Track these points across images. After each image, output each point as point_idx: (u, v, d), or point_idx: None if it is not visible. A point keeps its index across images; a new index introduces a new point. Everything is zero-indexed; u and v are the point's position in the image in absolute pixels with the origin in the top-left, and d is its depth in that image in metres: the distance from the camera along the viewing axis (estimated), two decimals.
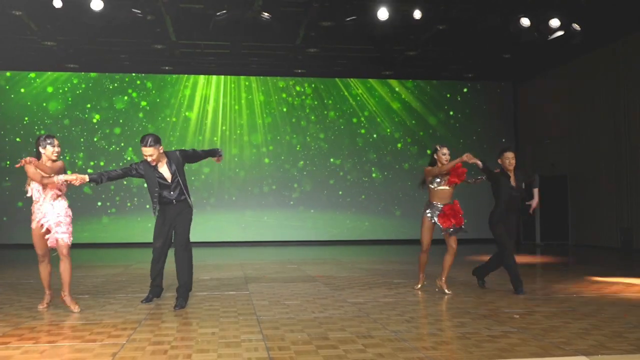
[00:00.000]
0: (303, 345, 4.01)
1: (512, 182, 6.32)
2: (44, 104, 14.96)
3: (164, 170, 5.64)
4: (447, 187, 6.39)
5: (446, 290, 6.36)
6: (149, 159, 5.50)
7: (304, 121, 15.97)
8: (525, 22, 9.89)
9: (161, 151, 5.58)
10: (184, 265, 5.64)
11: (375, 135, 16.20)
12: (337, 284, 7.35)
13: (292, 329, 4.52)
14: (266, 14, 9.81)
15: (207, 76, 15.58)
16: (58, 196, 5.40)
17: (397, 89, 16.32)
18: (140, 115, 15.36)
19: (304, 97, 16.03)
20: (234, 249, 13.91)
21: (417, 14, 10.01)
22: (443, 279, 6.43)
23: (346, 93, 16.16)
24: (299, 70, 15.25)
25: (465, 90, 16.61)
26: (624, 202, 12.63)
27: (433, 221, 6.36)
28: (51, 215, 5.32)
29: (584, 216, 13.99)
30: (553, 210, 14.38)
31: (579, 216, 14.21)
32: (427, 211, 6.42)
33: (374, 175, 16.11)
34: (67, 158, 14.58)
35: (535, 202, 6.46)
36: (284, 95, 15.95)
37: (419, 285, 6.73)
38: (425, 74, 15.86)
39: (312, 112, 16.05)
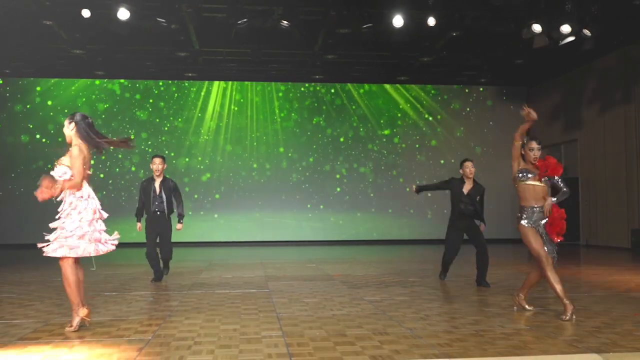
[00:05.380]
0: (321, 342, 4.07)
1: (465, 189, 6.91)
2: (74, 109, 15.35)
3: (157, 184, 7.43)
4: (537, 183, 5.09)
5: (526, 306, 5.32)
6: (154, 166, 7.41)
7: (322, 122, 16.15)
8: (536, 28, 9.94)
9: (165, 167, 7.48)
10: None
11: (391, 138, 16.31)
12: (355, 282, 7.43)
13: (310, 326, 4.60)
14: (285, 22, 10.00)
15: (228, 82, 15.86)
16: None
17: (411, 94, 16.42)
18: (161, 119, 15.69)
19: (321, 101, 16.22)
20: (255, 249, 14.09)
21: (432, 21, 10.12)
22: (521, 295, 5.36)
23: (360, 97, 16.31)
24: (317, 76, 15.44)
25: (478, 95, 16.66)
26: (634, 203, 12.67)
27: (535, 228, 5.05)
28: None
29: (595, 217, 14.04)
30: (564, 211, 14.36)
31: (590, 217, 14.25)
32: (523, 220, 5.08)
33: (389, 175, 16.22)
34: (92, 162, 14.94)
35: (482, 226, 7.02)
36: (302, 100, 16.16)
37: (529, 307, 5.33)
38: (440, 79, 15.94)
39: (329, 117, 16.21)
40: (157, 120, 15.67)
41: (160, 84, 15.73)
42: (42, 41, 11.98)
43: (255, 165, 15.86)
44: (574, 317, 4.84)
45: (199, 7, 10.25)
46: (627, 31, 11.67)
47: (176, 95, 15.78)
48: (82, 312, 4.51)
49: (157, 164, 7.43)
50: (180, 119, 15.70)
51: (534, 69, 14.82)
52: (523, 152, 5.15)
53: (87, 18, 9.51)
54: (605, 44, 12.15)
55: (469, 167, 6.94)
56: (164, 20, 9.88)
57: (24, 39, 11.74)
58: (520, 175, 5.08)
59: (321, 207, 15.92)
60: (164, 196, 7.39)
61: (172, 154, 15.40)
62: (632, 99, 12.81)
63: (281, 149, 15.97)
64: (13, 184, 14.99)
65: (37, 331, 4.51)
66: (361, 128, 16.25)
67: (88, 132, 4.58)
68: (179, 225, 7.55)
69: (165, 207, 7.40)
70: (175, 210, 7.57)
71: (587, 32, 10.01)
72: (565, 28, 9.90)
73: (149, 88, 15.69)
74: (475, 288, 6.81)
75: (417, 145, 16.35)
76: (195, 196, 15.38)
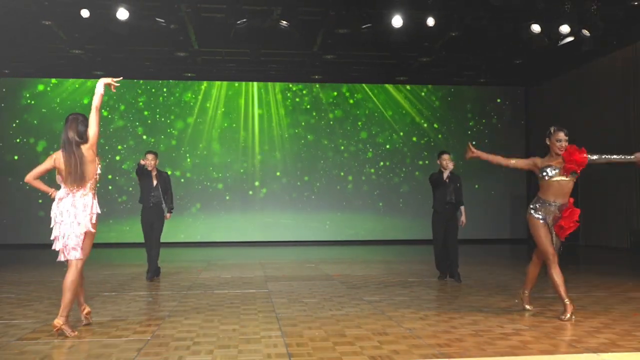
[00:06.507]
0: (320, 342, 4.10)
1: (446, 179, 7.39)
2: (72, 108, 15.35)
3: (154, 177, 7.79)
4: (564, 178, 4.95)
5: (527, 306, 5.32)
6: (147, 162, 7.62)
7: (322, 124, 16.20)
8: (536, 28, 9.99)
9: (157, 162, 7.81)
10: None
11: (389, 138, 16.35)
12: (354, 282, 7.47)
13: (310, 326, 4.62)
14: (284, 22, 10.02)
15: (227, 82, 15.88)
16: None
17: (410, 94, 16.45)
18: (158, 118, 15.72)
19: (319, 102, 16.25)
20: (255, 249, 14.11)
21: (431, 22, 10.14)
22: (526, 292, 5.35)
23: (359, 98, 16.34)
24: (316, 76, 15.46)
25: (477, 95, 16.70)
26: (634, 204, 12.71)
27: (545, 223, 4.95)
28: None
29: (594, 217, 14.06)
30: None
31: (589, 217, 14.25)
32: (535, 212, 4.99)
33: (388, 176, 16.26)
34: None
35: (462, 218, 7.60)
36: (299, 100, 16.20)
37: (529, 307, 5.33)
38: (439, 79, 15.96)
39: (329, 117, 16.24)
40: (152, 120, 15.66)
41: (152, 90, 15.71)
42: (41, 41, 12.00)
43: (253, 166, 15.88)
44: (573, 317, 4.84)
45: (198, 7, 10.28)
46: (627, 31, 11.70)
47: (174, 95, 15.78)
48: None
49: (149, 160, 7.77)
50: (173, 119, 15.68)
51: (533, 69, 14.85)
52: (549, 143, 5.00)
53: (86, 18, 9.53)
54: (605, 44, 12.17)
55: (446, 160, 7.42)
56: (163, 21, 9.90)
57: (23, 39, 11.75)
58: (543, 174, 4.94)
59: (320, 207, 15.94)
60: (160, 189, 7.83)
61: (170, 171, 15.38)
62: (631, 99, 12.83)
63: (280, 151, 16.00)
64: (13, 184, 14.98)
65: (36, 331, 4.53)
66: (360, 129, 16.27)
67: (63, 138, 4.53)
68: (167, 215, 7.91)
69: (161, 199, 7.85)
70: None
71: (586, 32, 10.04)
72: (565, 28, 9.94)
73: (147, 88, 15.69)
74: (474, 288, 6.85)
75: (424, 154, 16.37)
76: (193, 212, 15.40)
